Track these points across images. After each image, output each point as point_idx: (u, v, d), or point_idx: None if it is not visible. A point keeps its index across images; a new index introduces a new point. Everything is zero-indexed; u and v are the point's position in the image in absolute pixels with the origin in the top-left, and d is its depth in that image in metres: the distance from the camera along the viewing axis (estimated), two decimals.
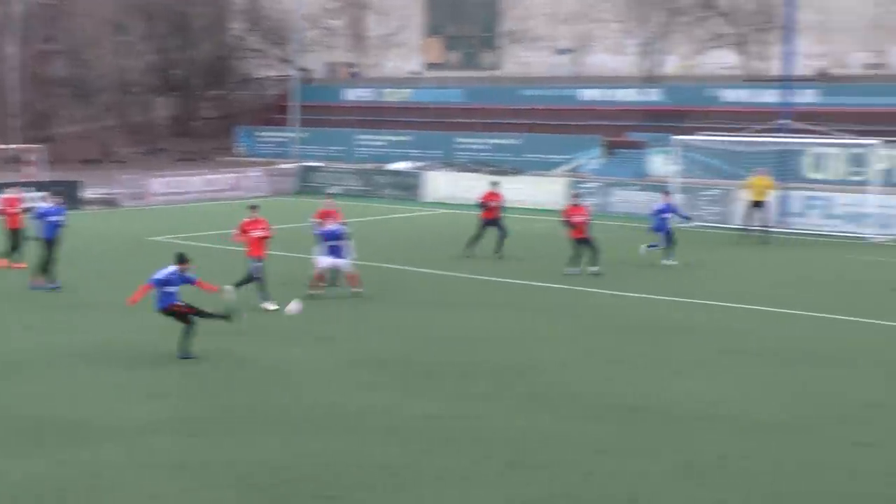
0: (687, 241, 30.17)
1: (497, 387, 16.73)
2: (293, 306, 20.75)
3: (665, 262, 28.02)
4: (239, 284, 21.67)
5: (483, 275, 26.72)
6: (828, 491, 12.49)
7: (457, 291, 24.80)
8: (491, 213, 29.55)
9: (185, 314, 18.10)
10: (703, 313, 22.45)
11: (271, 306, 21.75)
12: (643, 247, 28.40)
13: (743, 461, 13.37)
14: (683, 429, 14.67)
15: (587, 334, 20.42)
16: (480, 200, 29.93)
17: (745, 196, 33.84)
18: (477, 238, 29.33)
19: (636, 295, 24.20)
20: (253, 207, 23.09)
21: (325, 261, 23.18)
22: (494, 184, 30.87)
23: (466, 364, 18.09)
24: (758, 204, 33.17)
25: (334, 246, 23.17)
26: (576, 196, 28.86)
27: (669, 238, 28.31)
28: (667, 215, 28.66)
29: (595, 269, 26.26)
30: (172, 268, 18.11)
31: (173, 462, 13.24)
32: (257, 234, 22.25)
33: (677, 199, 36.91)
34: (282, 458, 13.41)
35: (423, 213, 41.17)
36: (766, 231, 32.92)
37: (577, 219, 26.71)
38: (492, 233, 29.33)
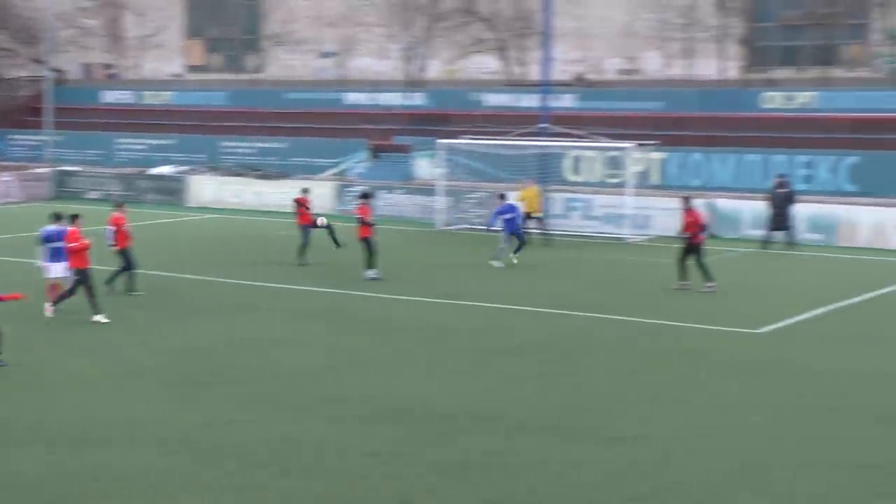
0: (455, 244, 30.59)
1: (266, 393, 16.52)
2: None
3: (512, 258, 29.01)
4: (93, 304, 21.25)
5: (253, 280, 26.39)
6: (588, 484, 12.81)
7: (225, 297, 24.38)
8: (304, 219, 29.35)
9: None
10: (470, 314, 22.76)
11: (50, 313, 21.30)
12: (511, 257, 29.11)
13: (510, 459, 13.59)
14: (452, 428, 14.81)
15: (356, 338, 20.38)
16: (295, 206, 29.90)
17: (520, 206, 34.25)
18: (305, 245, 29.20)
19: (407, 298, 24.34)
20: (74, 217, 21.79)
21: (52, 269, 22.14)
22: (305, 190, 30.68)
23: (235, 371, 17.81)
24: (530, 215, 33.73)
25: (55, 248, 21.96)
26: (365, 196, 28.78)
27: (512, 237, 29.16)
28: (508, 216, 29.27)
29: (373, 273, 26.30)
30: None
31: None
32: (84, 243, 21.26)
33: (442, 202, 37.48)
34: (44, 475, 12.84)
35: (188, 218, 40.35)
36: (548, 234, 33.66)
37: (368, 218, 26.82)
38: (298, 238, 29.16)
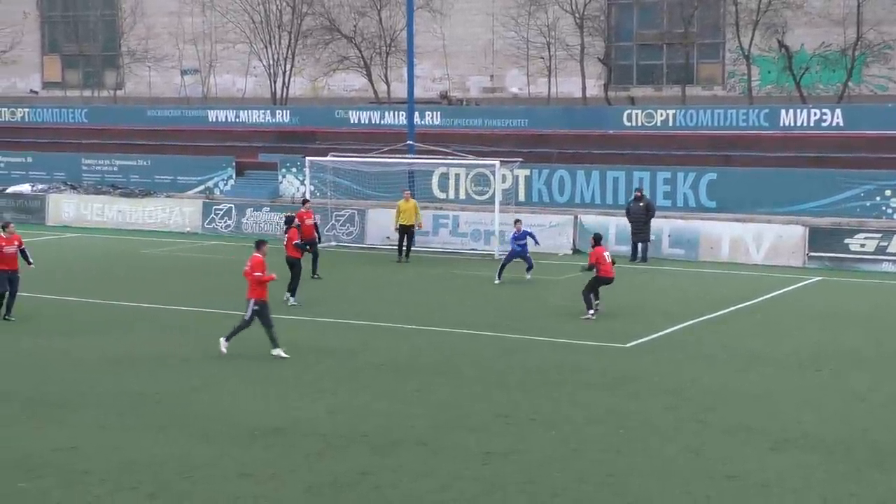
0: (325, 262, 30.36)
1: (135, 415, 16.20)
2: None
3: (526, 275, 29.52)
4: None
5: (120, 300, 25.87)
6: (464, 500, 12.83)
7: (91, 317, 23.83)
8: (307, 232, 28.80)
9: None
10: (341, 332, 22.66)
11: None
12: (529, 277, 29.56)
13: (384, 477, 13.55)
14: (325, 448, 14.70)
15: (226, 357, 20.09)
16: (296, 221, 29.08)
17: (396, 220, 33.99)
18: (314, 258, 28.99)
19: (277, 316, 24.04)
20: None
21: None
22: (306, 202, 30.77)
23: (102, 393, 17.43)
24: (406, 227, 33.63)
25: None
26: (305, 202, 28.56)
27: (520, 258, 29.53)
28: (523, 241, 29.46)
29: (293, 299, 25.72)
30: None
31: None
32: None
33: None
34: None
35: (49, 237, 39.36)
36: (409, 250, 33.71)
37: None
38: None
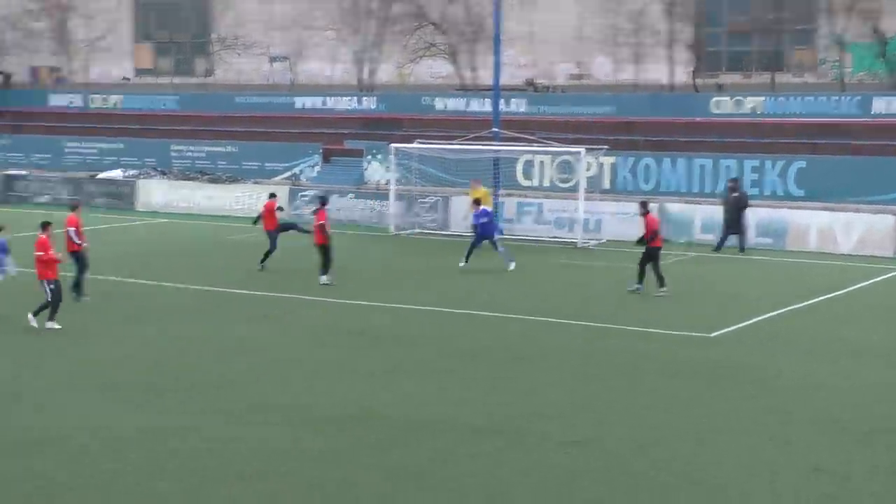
0: (408, 249, 30.50)
1: (218, 399, 16.42)
2: None
3: None
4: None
5: (203, 284, 26.22)
6: (544, 489, 12.82)
7: (172, 302, 24.18)
8: (270, 225, 29.34)
9: None
10: (422, 319, 22.71)
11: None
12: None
13: (464, 465, 13.57)
14: (404, 433, 14.77)
15: (307, 343, 20.28)
16: (264, 212, 29.64)
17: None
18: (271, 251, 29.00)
19: (357, 302, 24.27)
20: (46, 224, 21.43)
21: None
22: (272, 195, 30.91)
23: (184, 378, 17.68)
24: None
25: None
26: (323, 202, 28.42)
27: None
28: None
29: (324, 278, 26.21)
30: None
31: None
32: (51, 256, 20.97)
33: (395, 206, 37.44)
34: None
35: (138, 222, 40.01)
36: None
37: (326, 223, 26.67)
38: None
